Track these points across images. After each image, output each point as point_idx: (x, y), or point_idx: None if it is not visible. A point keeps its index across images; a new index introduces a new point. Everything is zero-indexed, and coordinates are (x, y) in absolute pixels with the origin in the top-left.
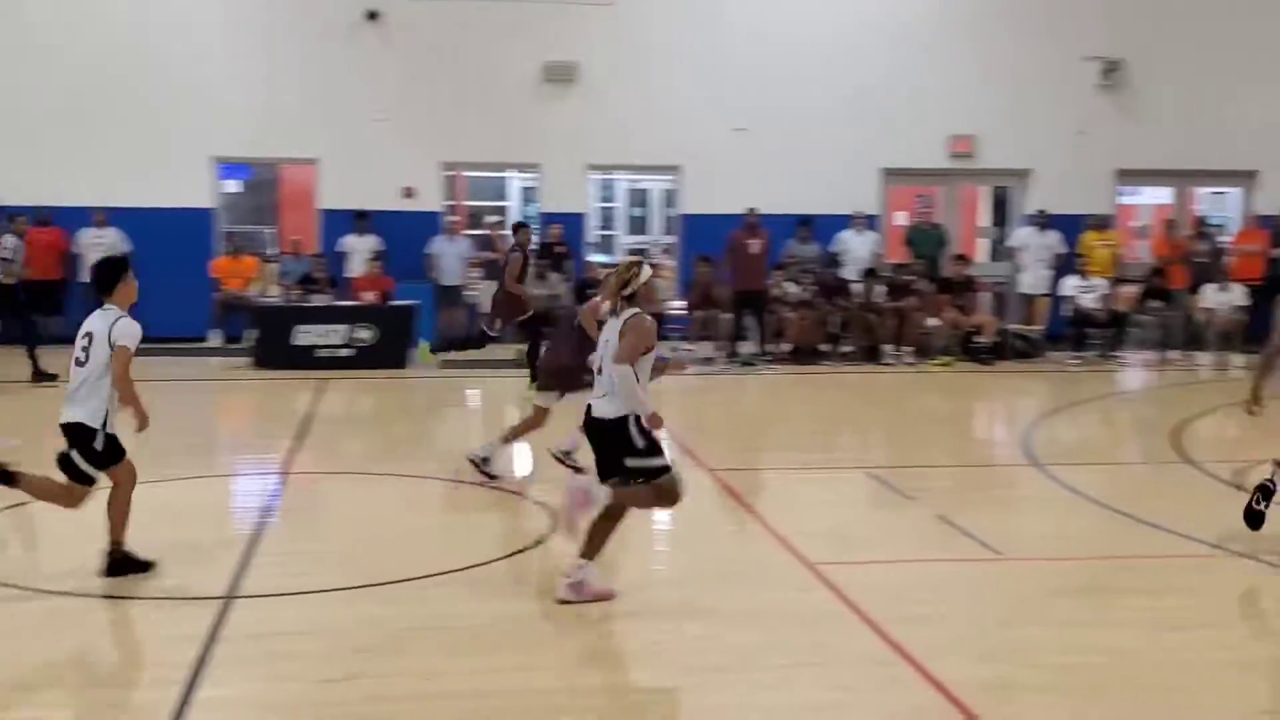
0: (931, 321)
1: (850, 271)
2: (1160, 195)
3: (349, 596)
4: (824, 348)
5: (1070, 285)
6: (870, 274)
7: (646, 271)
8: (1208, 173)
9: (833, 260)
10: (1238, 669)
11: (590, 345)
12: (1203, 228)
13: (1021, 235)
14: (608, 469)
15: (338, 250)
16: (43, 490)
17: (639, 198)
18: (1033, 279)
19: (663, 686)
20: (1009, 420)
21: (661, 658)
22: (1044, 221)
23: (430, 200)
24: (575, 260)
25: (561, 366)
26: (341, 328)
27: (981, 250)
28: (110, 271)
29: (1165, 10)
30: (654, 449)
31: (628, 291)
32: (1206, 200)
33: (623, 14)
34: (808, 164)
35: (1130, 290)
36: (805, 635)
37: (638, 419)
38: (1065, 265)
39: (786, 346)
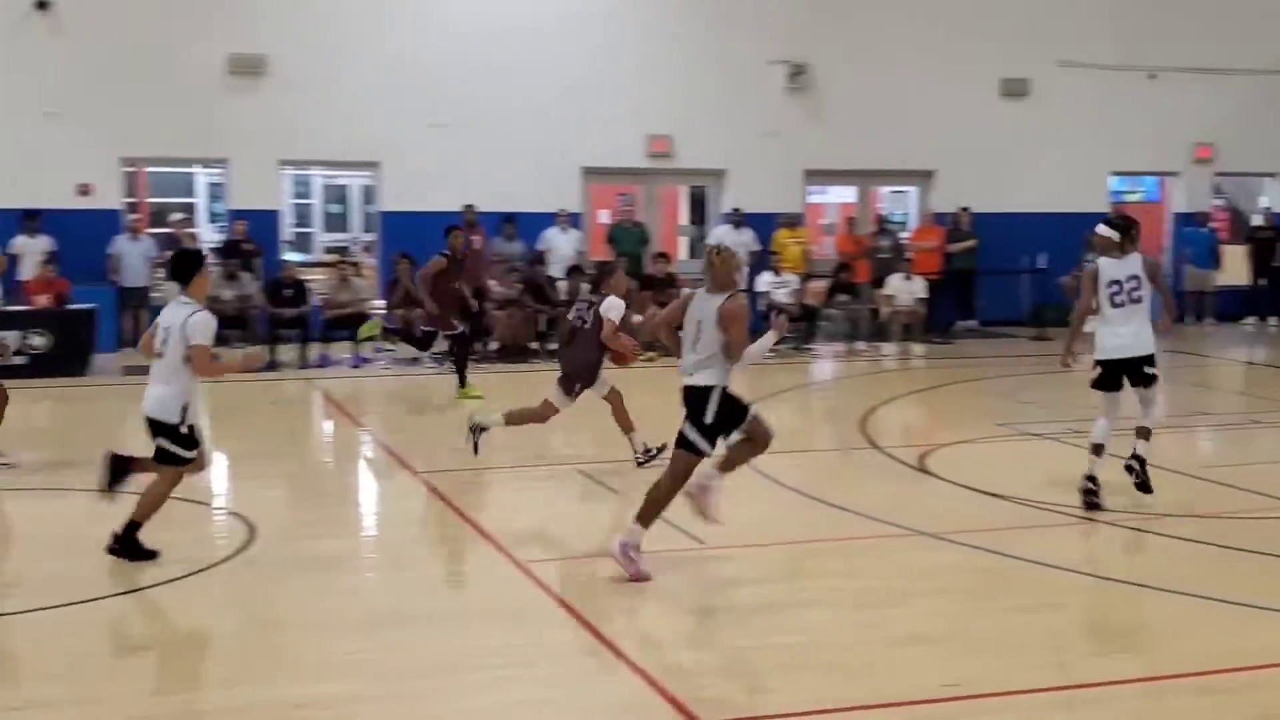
0: (635, 318)
1: (556, 269)
2: (845, 194)
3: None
4: (533, 346)
5: (764, 281)
6: (574, 271)
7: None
8: (888, 172)
9: (538, 258)
10: (924, 644)
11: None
12: (884, 224)
13: (718, 234)
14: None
15: (7, 252)
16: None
17: (337, 194)
18: None
19: (373, 694)
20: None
21: (366, 667)
22: (739, 220)
23: (109, 197)
24: (267, 258)
25: (588, 363)
26: (12, 334)
27: (682, 248)
28: (187, 264)
29: (847, 15)
30: (714, 430)
31: (735, 277)
32: (888, 199)
33: (315, 4)
34: (510, 161)
35: (820, 285)
36: (515, 635)
37: (723, 390)
38: (759, 262)
39: (494, 345)
